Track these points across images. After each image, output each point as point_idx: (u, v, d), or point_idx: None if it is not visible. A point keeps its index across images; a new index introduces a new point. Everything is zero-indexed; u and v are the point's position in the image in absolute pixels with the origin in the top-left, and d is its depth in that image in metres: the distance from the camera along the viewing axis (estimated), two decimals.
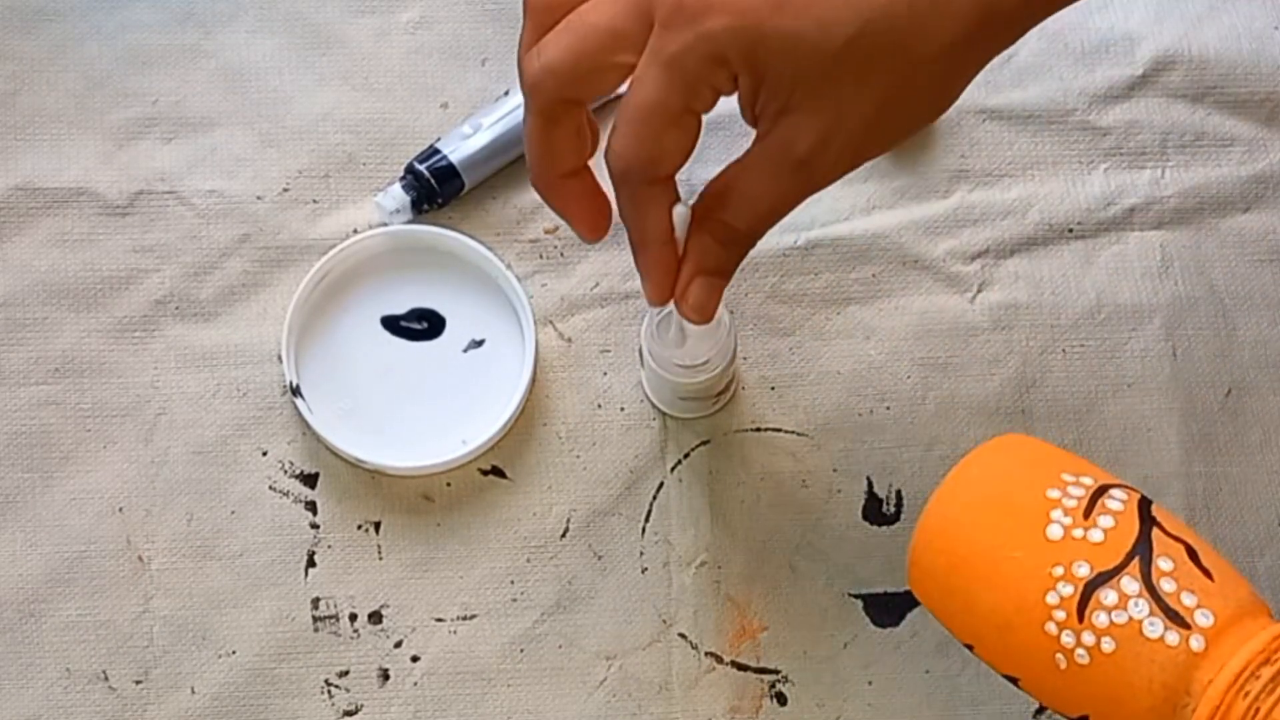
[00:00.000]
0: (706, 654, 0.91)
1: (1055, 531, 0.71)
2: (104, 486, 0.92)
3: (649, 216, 0.78)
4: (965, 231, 0.96)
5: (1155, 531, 0.71)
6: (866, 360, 0.94)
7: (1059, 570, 0.71)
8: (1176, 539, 0.72)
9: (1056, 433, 0.92)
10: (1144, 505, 0.73)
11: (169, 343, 0.94)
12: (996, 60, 0.97)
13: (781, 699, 0.90)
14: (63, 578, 0.91)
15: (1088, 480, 0.73)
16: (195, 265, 0.95)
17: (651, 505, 0.93)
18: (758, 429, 0.93)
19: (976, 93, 0.96)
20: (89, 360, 0.94)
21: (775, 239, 0.95)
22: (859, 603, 0.91)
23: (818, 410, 0.93)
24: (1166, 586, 0.70)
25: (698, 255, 0.79)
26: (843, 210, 0.95)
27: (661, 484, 0.93)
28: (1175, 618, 0.70)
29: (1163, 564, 0.70)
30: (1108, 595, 0.70)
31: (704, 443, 0.93)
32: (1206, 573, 0.71)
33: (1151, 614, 0.70)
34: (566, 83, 0.76)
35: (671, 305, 0.80)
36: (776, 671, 0.91)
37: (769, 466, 0.93)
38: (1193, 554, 0.71)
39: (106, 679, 0.90)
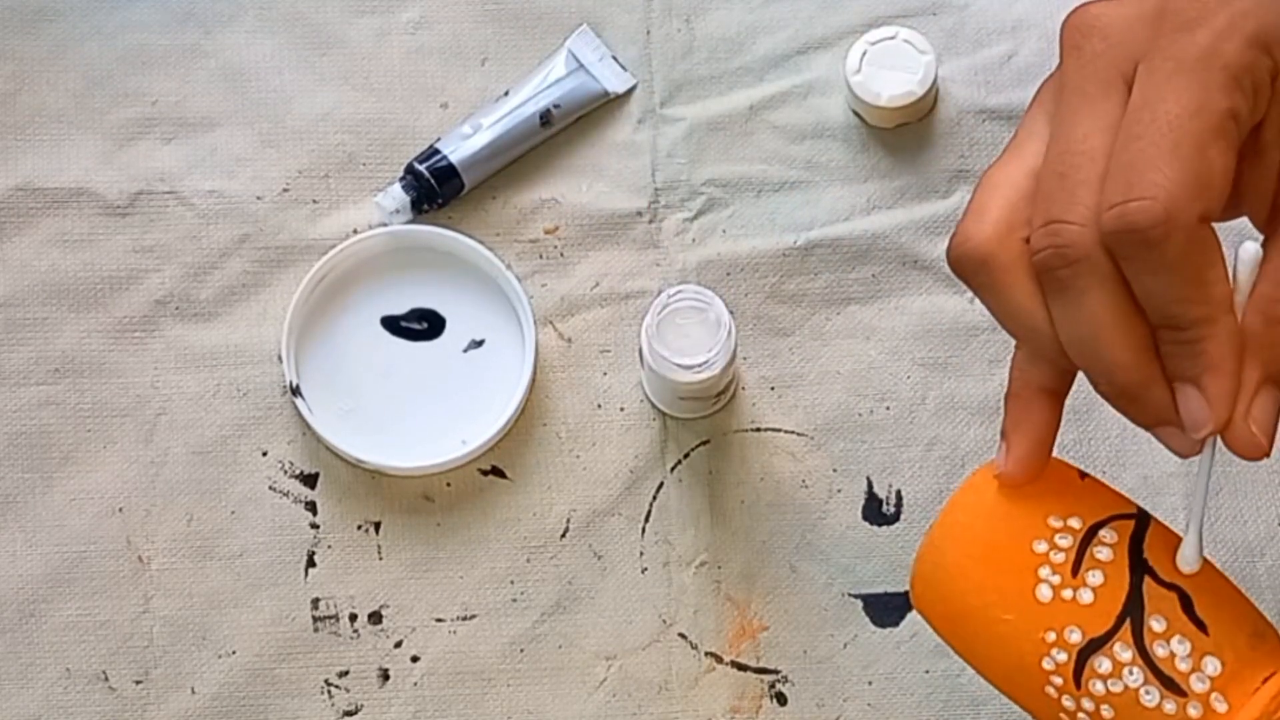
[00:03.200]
0: (706, 654, 0.91)
1: (1045, 592, 0.70)
2: (104, 486, 0.92)
3: (1211, 277, 0.60)
4: None
5: (1147, 583, 0.70)
6: (866, 360, 0.94)
7: (1051, 636, 0.70)
8: (1169, 587, 0.70)
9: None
10: (1135, 546, 0.71)
11: (169, 343, 0.94)
12: (996, 60, 0.97)
13: (781, 699, 0.90)
14: (63, 578, 0.91)
15: (1075, 523, 0.71)
16: (195, 265, 0.95)
17: (651, 505, 0.93)
18: (758, 429, 0.93)
19: (976, 93, 0.96)
20: (89, 360, 0.94)
21: (775, 239, 0.95)
22: (859, 603, 0.91)
23: (818, 410, 0.93)
24: (1160, 651, 0.69)
25: (1265, 355, 0.61)
26: (843, 210, 0.95)
27: (661, 484, 0.93)
28: (1170, 685, 0.69)
29: (1155, 624, 0.69)
30: (1101, 663, 0.69)
31: (704, 443, 0.93)
32: (1201, 625, 0.69)
33: (1147, 682, 0.69)
34: (1209, 199, 0.60)
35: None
36: (776, 671, 0.91)
37: (769, 466, 0.93)
38: (1186, 603, 0.70)
39: (106, 679, 0.90)
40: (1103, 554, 0.70)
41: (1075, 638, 0.69)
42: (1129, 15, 0.64)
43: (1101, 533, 0.71)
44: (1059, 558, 0.70)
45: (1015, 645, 0.70)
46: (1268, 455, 0.63)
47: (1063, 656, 0.69)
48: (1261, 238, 0.63)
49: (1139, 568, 0.70)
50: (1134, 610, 0.69)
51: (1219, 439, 0.65)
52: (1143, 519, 0.72)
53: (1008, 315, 0.65)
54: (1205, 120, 0.60)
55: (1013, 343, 0.80)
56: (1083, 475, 0.73)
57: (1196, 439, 0.64)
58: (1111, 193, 0.61)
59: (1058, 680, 0.70)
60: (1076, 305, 0.62)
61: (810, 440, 0.93)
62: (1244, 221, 0.67)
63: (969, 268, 0.66)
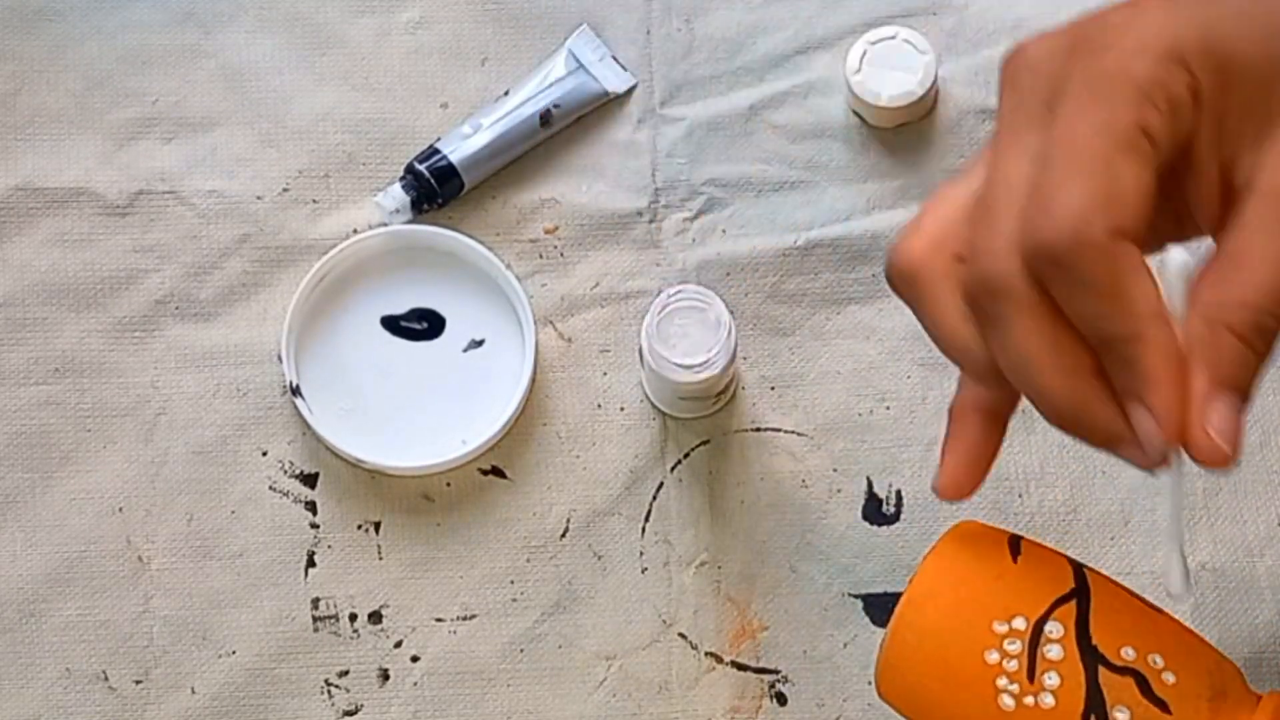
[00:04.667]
0: (706, 654, 0.91)
1: (1007, 702, 0.70)
2: (104, 486, 0.92)
3: (1133, 291, 0.60)
4: None
5: (1102, 674, 0.70)
6: (866, 360, 0.94)
7: None
8: (1123, 672, 0.70)
9: (1056, 432, 0.92)
10: (1082, 635, 0.71)
11: (169, 343, 0.94)
12: (996, 60, 0.97)
13: (781, 699, 0.90)
14: (63, 578, 0.91)
15: (1019, 624, 0.71)
16: (195, 265, 0.95)
17: (651, 505, 0.93)
18: (758, 429, 0.93)
19: (976, 93, 0.96)
20: (89, 360, 0.94)
21: (775, 239, 0.95)
22: (859, 603, 0.91)
23: (818, 410, 0.93)
24: None
25: (1212, 360, 0.60)
26: (843, 210, 0.95)
27: (661, 484, 0.93)
28: None
29: (1119, 715, 0.69)
30: None
31: (704, 443, 0.93)
32: (1162, 704, 0.70)
33: None
34: (1119, 214, 0.59)
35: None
36: (776, 671, 0.91)
37: (769, 466, 0.93)
38: (1144, 685, 0.70)
39: (106, 679, 0.90)
40: (1053, 653, 0.70)
41: None
42: (1052, 47, 0.64)
43: (1047, 628, 0.71)
44: (1013, 665, 0.70)
45: None
46: (1233, 462, 0.61)
47: None
48: (1188, 247, 0.63)
49: (1091, 658, 0.70)
50: (1095, 706, 0.70)
51: (1182, 456, 0.63)
52: (1083, 595, 0.71)
53: (936, 332, 0.65)
54: (1110, 135, 0.60)
55: None
56: (1015, 547, 0.73)
57: (1156, 456, 0.63)
58: (1027, 220, 0.60)
59: None
60: (1006, 334, 0.62)
61: (810, 440, 0.93)
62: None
63: (901, 281, 0.66)
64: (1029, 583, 0.72)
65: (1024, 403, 0.93)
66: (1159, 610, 0.72)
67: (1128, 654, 0.70)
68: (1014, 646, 0.70)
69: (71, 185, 0.96)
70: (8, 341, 0.94)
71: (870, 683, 0.90)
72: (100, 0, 0.98)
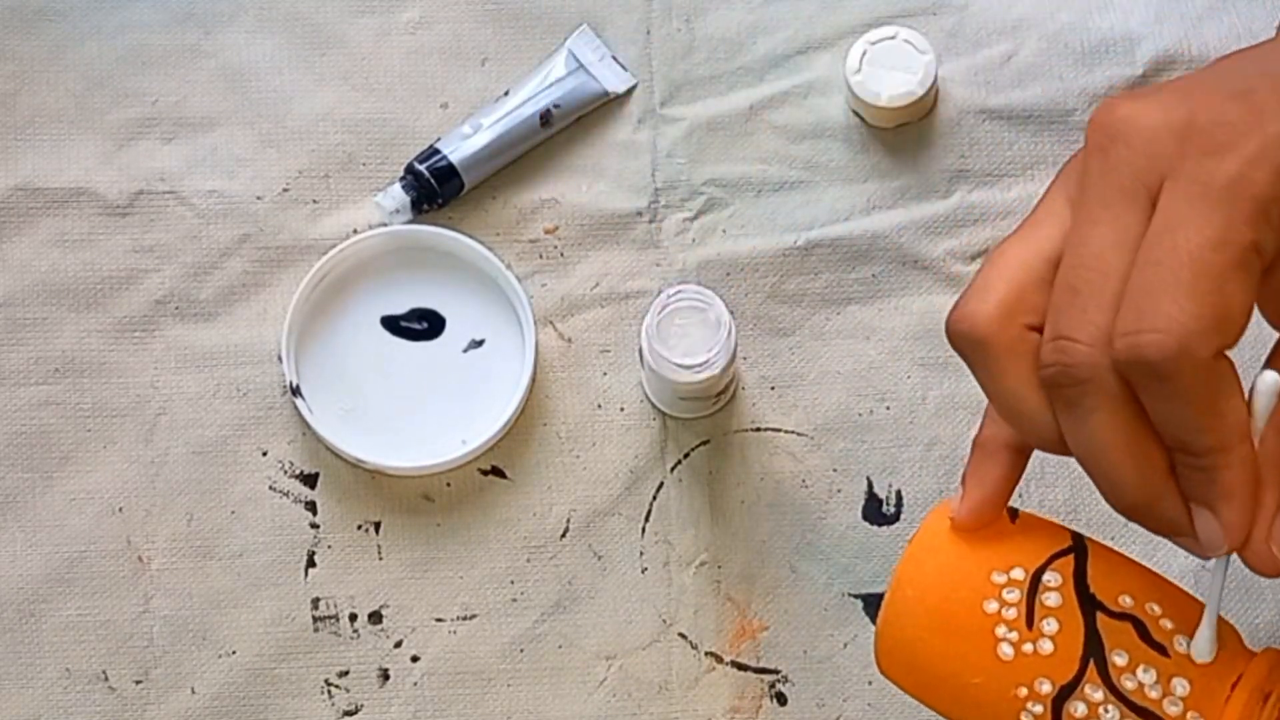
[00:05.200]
0: (706, 654, 0.91)
1: (1006, 650, 0.70)
2: (104, 486, 0.92)
3: (1225, 407, 0.60)
4: (965, 231, 0.95)
5: (1100, 619, 0.70)
6: (866, 360, 0.94)
7: (1023, 691, 0.70)
8: (1122, 617, 0.70)
9: None
10: (1080, 584, 0.71)
11: (169, 343, 0.94)
12: (996, 60, 0.97)
13: (781, 699, 0.90)
14: (63, 578, 0.91)
15: (1018, 574, 0.71)
16: (195, 265, 0.95)
17: (651, 505, 0.93)
18: (758, 429, 0.93)
19: (976, 93, 0.96)
20: (89, 360, 0.94)
21: (775, 239, 0.95)
22: (859, 603, 0.91)
23: (818, 410, 0.93)
24: (1128, 684, 0.70)
25: None
26: (843, 210, 0.95)
27: (661, 484, 0.93)
28: (1146, 714, 0.70)
29: (1118, 659, 0.70)
30: (1077, 707, 0.70)
31: (704, 443, 0.93)
32: (1161, 649, 0.70)
33: (1123, 717, 0.70)
34: (1225, 335, 0.59)
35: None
36: (776, 671, 0.91)
37: (769, 466, 0.93)
38: (1142, 630, 0.70)
39: (106, 679, 0.90)
40: (1051, 600, 0.71)
41: (1046, 688, 0.70)
42: (1157, 125, 0.63)
43: (1045, 578, 0.71)
44: (1011, 614, 0.71)
45: (990, 705, 0.71)
46: None
47: (1039, 709, 0.70)
48: None
49: (1089, 605, 0.71)
50: (1095, 650, 0.70)
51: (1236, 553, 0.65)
52: (1080, 549, 0.72)
53: (1001, 400, 0.65)
54: (1228, 254, 0.59)
55: None
56: (1013, 514, 0.73)
57: (1212, 554, 0.64)
58: (1125, 319, 0.60)
59: None
60: (1083, 422, 0.62)
61: (810, 440, 0.93)
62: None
63: (967, 346, 0.65)
64: (1027, 539, 0.72)
65: None
66: (1155, 572, 0.73)
67: (1125, 601, 0.71)
68: (1012, 595, 0.71)
69: (71, 185, 0.96)
70: (8, 341, 0.94)
71: (871, 682, 0.90)
72: (100, 0, 0.98)
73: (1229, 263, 0.59)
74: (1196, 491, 0.62)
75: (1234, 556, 0.67)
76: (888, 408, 0.93)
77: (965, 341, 0.65)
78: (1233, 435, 0.60)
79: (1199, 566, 0.91)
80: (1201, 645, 0.70)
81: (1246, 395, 0.63)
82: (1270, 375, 0.62)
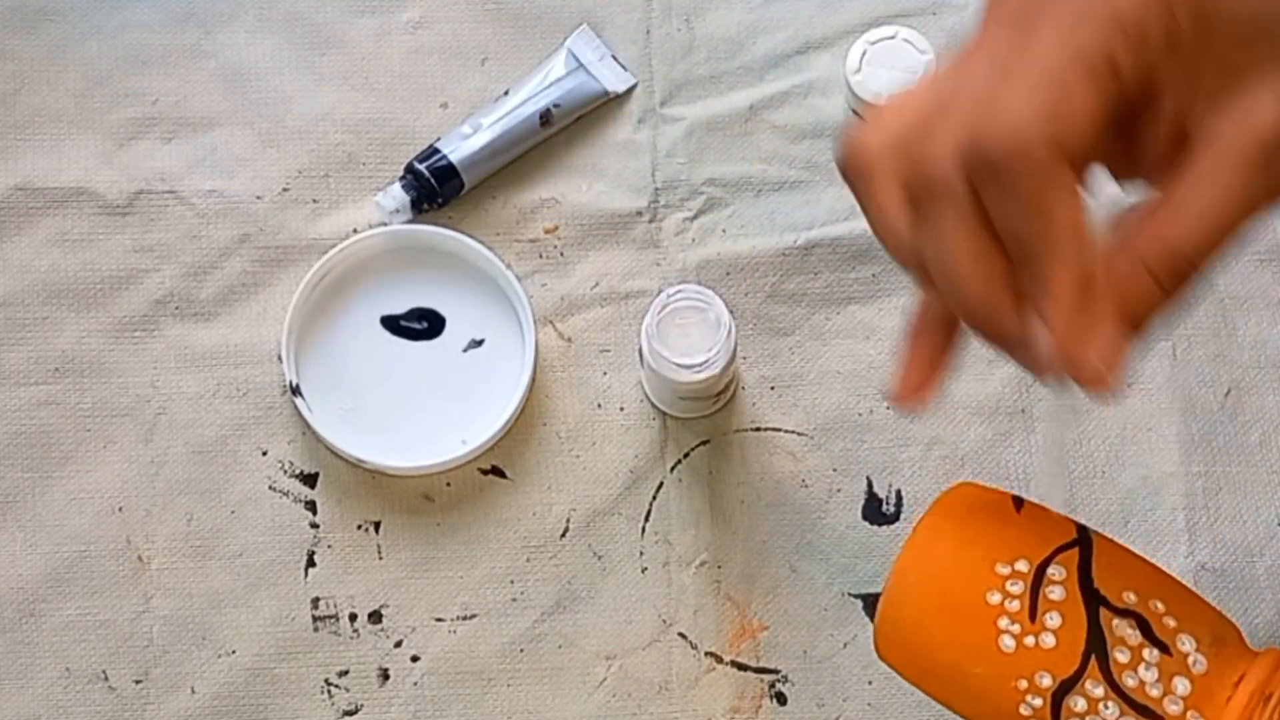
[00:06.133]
0: (706, 654, 0.91)
1: (1008, 643, 0.70)
2: (104, 486, 0.92)
3: (1058, 209, 0.60)
4: None
5: (1103, 615, 0.70)
6: (866, 360, 0.94)
7: (1023, 684, 0.70)
8: (1125, 614, 0.71)
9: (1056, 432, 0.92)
10: (1084, 578, 0.71)
11: (169, 343, 0.94)
12: None
13: (781, 699, 0.90)
14: (63, 578, 0.91)
15: (1022, 566, 0.71)
16: (195, 265, 0.95)
17: (651, 505, 0.93)
18: (758, 429, 0.93)
19: None
20: (89, 360, 0.94)
21: (775, 239, 0.95)
22: (859, 603, 0.91)
23: (818, 410, 0.93)
24: (1129, 681, 0.70)
25: (1120, 291, 0.61)
26: (843, 210, 0.95)
27: (661, 484, 0.93)
28: (1146, 712, 0.70)
29: (1120, 656, 0.70)
30: (1077, 702, 0.70)
31: (704, 443, 0.93)
32: (1164, 647, 0.70)
33: (1123, 714, 0.70)
34: (1063, 132, 0.60)
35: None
36: (776, 671, 0.91)
37: (769, 466, 0.93)
38: (1145, 627, 0.70)
39: (106, 679, 0.91)
40: (1055, 594, 0.71)
41: (1046, 682, 0.70)
42: None
43: (1049, 571, 0.71)
44: (1014, 606, 0.71)
45: (990, 696, 0.71)
46: (1111, 389, 0.62)
47: (1038, 701, 0.70)
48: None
49: (1092, 600, 0.71)
50: (1097, 646, 0.70)
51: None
52: (1085, 543, 0.72)
53: (875, 220, 0.66)
54: (1072, 54, 0.60)
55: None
56: (1018, 503, 0.73)
57: (1044, 364, 0.63)
58: (973, 124, 0.61)
59: None
60: (935, 232, 0.63)
61: (810, 440, 0.93)
62: None
63: (850, 171, 0.66)
64: (1032, 530, 0.72)
65: (1024, 402, 0.94)
66: (1160, 568, 0.73)
67: (1129, 597, 0.71)
68: (1016, 587, 0.71)
69: (71, 185, 0.96)
70: (8, 341, 0.94)
71: (871, 682, 0.90)
72: (100, 0, 0.98)
73: (1073, 63, 0.59)
74: (1030, 297, 0.62)
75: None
76: (888, 408, 0.93)
77: (852, 166, 0.66)
78: (1064, 238, 0.60)
79: (1199, 566, 0.91)
80: (1044, 490, 0.69)
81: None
82: (1109, 187, 0.63)
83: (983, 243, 0.62)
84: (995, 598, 0.71)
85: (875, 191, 0.65)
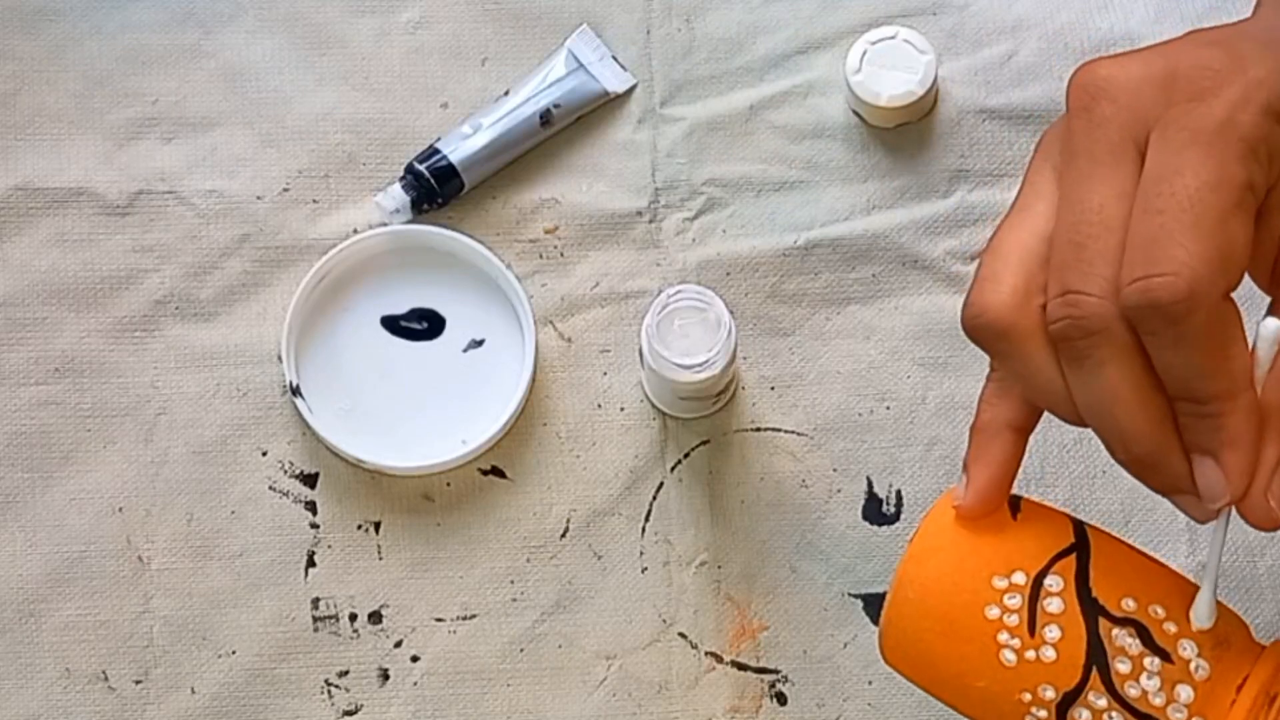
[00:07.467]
0: (706, 654, 0.91)
1: (1009, 657, 0.70)
2: (104, 486, 0.92)
3: (1232, 351, 0.60)
4: (965, 231, 0.95)
5: (1102, 625, 0.70)
6: (866, 360, 0.94)
7: (1027, 696, 0.70)
8: (1124, 622, 0.70)
9: (1056, 431, 0.92)
10: (1082, 588, 0.71)
11: (169, 343, 0.94)
12: (996, 60, 0.97)
13: (781, 699, 0.90)
14: (62, 578, 0.91)
15: (1019, 578, 0.71)
16: (195, 265, 0.95)
17: (651, 505, 0.93)
18: (758, 429, 0.93)
19: (976, 93, 0.96)
20: (89, 360, 0.94)
21: (775, 239, 0.95)
22: (859, 603, 0.91)
23: (818, 410, 0.93)
24: (1132, 691, 0.70)
25: None
26: (843, 210, 0.95)
27: (661, 484, 0.93)
28: None
29: (1121, 666, 0.70)
30: (1081, 714, 0.70)
31: (704, 443, 0.93)
32: (1165, 654, 0.70)
33: None
34: (1231, 274, 0.59)
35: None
36: (776, 671, 0.91)
37: (769, 466, 0.93)
38: (1145, 635, 0.70)
39: (106, 679, 0.90)
40: (1053, 606, 0.70)
41: (1049, 695, 0.70)
42: (1138, 78, 0.63)
43: (1047, 582, 0.71)
44: (1013, 620, 0.70)
45: (994, 708, 0.71)
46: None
47: (1043, 713, 0.70)
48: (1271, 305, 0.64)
49: (1091, 611, 0.70)
50: (1097, 657, 0.70)
51: (1232, 510, 0.65)
52: (1082, 548, 0.72)
53: (1029, 382, 0.65)
54: (1225, 194, 0.59)
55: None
56: (1014, 505, 0.73)
57: (1212, 509, 0.64)
58: (1133, 267, 0.60)
59: None
60: (1093, 375, 0.62)
61: (810, 440, 0.93)
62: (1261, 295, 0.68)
63: (988, 338, 0.65)
64: (1028, 538, 0.72)
65: None
66: (1161, 564, 0.72)
67: (1129, 605, 0.70)
68: (1014, 601, 0.71)
69: (71, 185, 0.96)
70: (8, 341, 0.94)
71: (871, 682, 0.90)
72: (100, 0, 0.98)
73: (1228, 202, 0.59)
74: (1200, 440, 0.62)
75: (1233, 520, 0.66)
76: (888, 408, 0.93)
77: (987, 333, 0.65)
78: (1239, 380, 0.60)
79: (1199, 566, 0.91)
80: (1201, 611, 0.69)
81: (1250, 343, 0.63)
82: (1273, 322, 0.62)
83: (1148, 386, 0.62)
84: (994, 612, 0.71)
85: (1024, 350, 0.64)
